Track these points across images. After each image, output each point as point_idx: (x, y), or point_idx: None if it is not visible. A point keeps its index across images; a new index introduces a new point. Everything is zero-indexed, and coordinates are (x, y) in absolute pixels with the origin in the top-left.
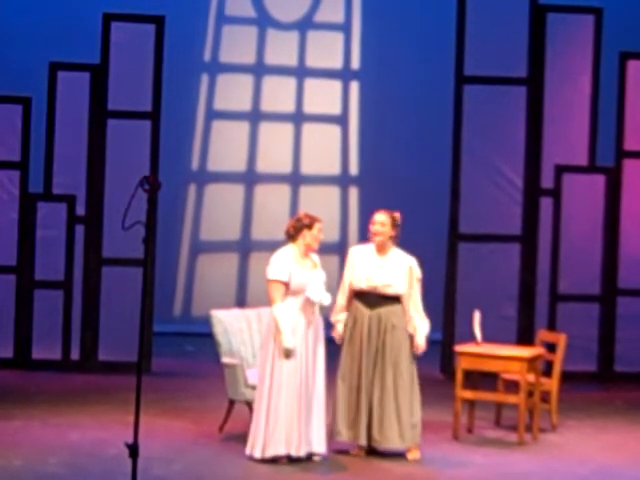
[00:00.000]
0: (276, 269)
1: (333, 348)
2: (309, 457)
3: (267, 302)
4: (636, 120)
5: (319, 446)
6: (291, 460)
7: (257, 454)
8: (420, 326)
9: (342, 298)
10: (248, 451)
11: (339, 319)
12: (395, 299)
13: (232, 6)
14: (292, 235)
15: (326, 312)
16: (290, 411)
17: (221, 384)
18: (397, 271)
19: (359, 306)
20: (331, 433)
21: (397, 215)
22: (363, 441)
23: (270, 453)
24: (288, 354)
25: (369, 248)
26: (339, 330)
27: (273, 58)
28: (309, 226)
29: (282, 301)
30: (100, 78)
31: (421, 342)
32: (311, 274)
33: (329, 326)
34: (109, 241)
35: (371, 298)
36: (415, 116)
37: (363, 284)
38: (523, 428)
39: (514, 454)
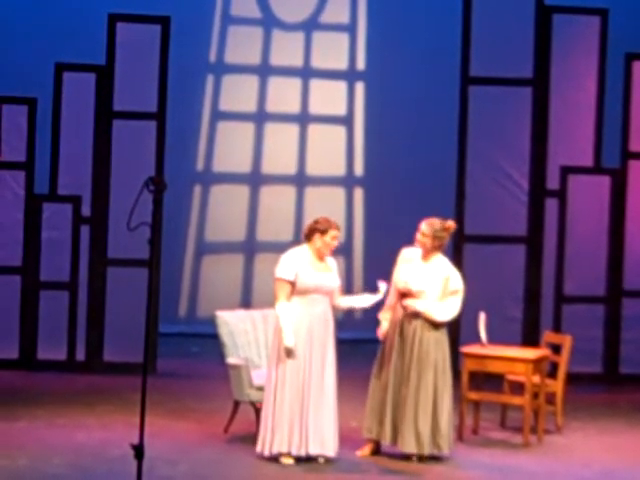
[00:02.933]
0: (283, 268)
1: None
2: (314, 458)
3: (272, 303)
4: None
5: (328, 449)
6: (296, 460)
7: (266, 452)
8: (429, 302)
9: (391, 298)
10: (259, 449)
11: (385, 317)
12: None
13: (237, 7)
14: (307, 235)
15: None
16: (292, 410)
17: (226, 385)
18: (433, 280)
19: (398, 307)
20: (351, 430)
21: (446, 226)
22: (388, 440)
23: (274, 450)
24: (288, 352)
25: (417, 252)
26: (383, 328)
27: (278, 59)
28: (323, 231)
29: (287, 300)
30: (105, 79)
31: (413, 305)
32: (321, 276)
33: (339, 327)
34: (114, 242)
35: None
36: (420, 117)
37: (401, 286)
38: (528, 429)
39: (519, 455)
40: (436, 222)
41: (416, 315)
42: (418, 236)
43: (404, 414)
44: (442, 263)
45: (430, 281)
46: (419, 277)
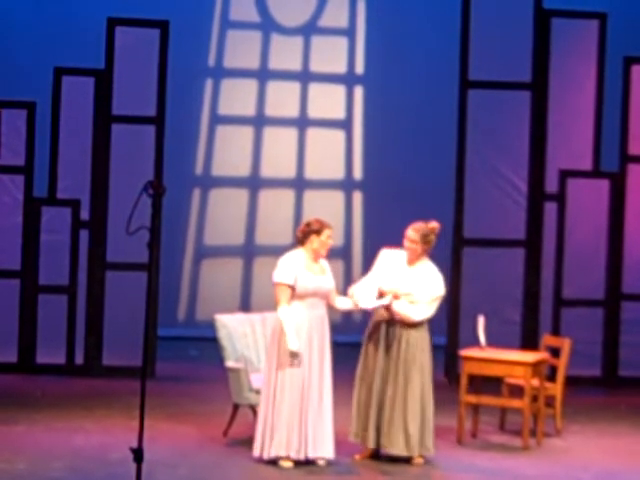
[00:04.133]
0: (282, 272)
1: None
2: (313, 461)
3: (271, 306)
4: None
5: (327, 451)
6: (295, 463)
7: (264, 455)
8: (404, 303)
9: (366, 284)
10: (257, 453)
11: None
12: None
13: (236, 11)
14: (300, 239)
15: (337, 316)
16: (292, 414)
17: (225, 388)
18: (419, 283)
19: (380, 312)
20: (348, 434)
21: (431, 228)
22: (371, 444)
23: (272, 454)
24: (293, 357)
25: (401, 254)
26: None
27: (277, 63)
28: (317, 232)
29: (288, 304)
30: (104, 83)
31: (389, 302)
32: (318, 279)
33: (336, 331)
34: (113, 246)
35: None
36: (419, 120)
37: (386, 289)
38: (527, 433)
39: (518, 459)
40: (422, 227)
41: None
42: (407, 243)
43: (392, 416)
44: (428, 268)
45: (416, 284)
46: (405, 280)
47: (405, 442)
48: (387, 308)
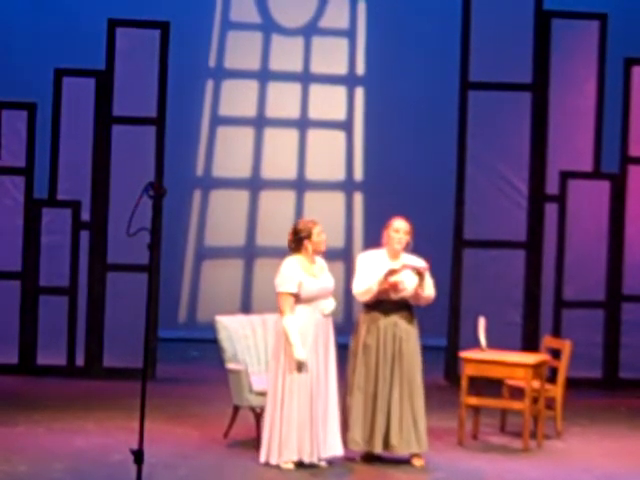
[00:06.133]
0: (285, 281)
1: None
2: (315, 463)
3: (272, 308)
4: None
5: (337, 449)
6: (300, 466)
7: (273, 461)
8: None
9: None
10: (263, 458)
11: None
12: (408, 306)
13: (237, 12)
14: (294, 248)
15: (336, 317)
16: (302, 418)
17: (226, 390)
18: (410, 274)
19: (373, 314)
20: (344, 441)
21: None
22: (379, 449)
23: (285, 459)
24: (300, 366)
25: (379, 253)
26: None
27: (278, 64)
28: (308, 236)
29: (292, 312)
30: (105, 84)
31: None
32: (320, 281)
33: (338, 331)
34: (114, 247)
35: (385, 305)
36: (420, 122)
37: (401, 290)
38: (528, 434)
39: (519, 460)
40: (405, 219)
41: (400, 322)
42: (400, 235)
43: (402, 417)
44: (409, 257)
45: (408, 276)
46: (396, 276)
47: (416, 439)
48: (420, 276)
